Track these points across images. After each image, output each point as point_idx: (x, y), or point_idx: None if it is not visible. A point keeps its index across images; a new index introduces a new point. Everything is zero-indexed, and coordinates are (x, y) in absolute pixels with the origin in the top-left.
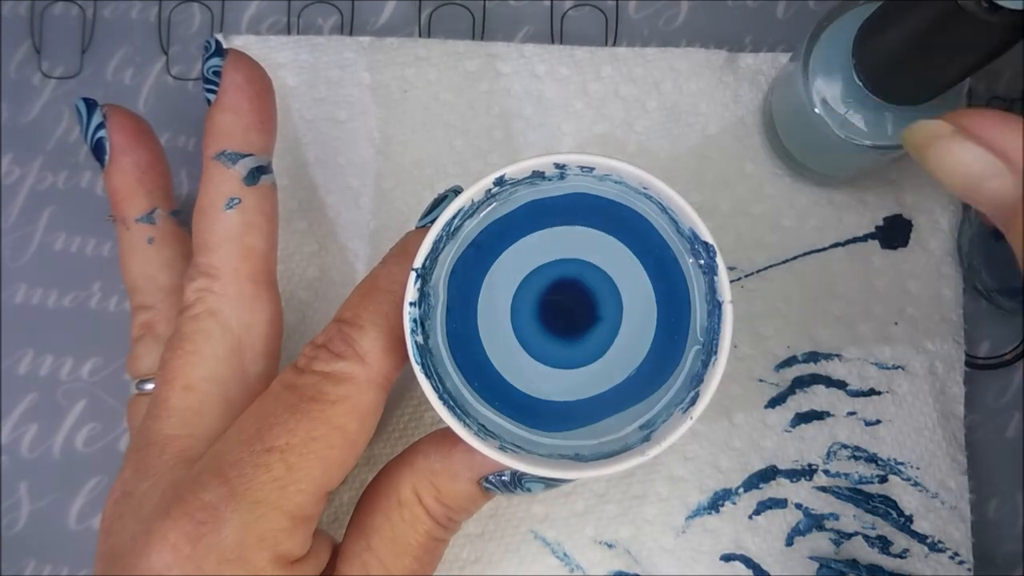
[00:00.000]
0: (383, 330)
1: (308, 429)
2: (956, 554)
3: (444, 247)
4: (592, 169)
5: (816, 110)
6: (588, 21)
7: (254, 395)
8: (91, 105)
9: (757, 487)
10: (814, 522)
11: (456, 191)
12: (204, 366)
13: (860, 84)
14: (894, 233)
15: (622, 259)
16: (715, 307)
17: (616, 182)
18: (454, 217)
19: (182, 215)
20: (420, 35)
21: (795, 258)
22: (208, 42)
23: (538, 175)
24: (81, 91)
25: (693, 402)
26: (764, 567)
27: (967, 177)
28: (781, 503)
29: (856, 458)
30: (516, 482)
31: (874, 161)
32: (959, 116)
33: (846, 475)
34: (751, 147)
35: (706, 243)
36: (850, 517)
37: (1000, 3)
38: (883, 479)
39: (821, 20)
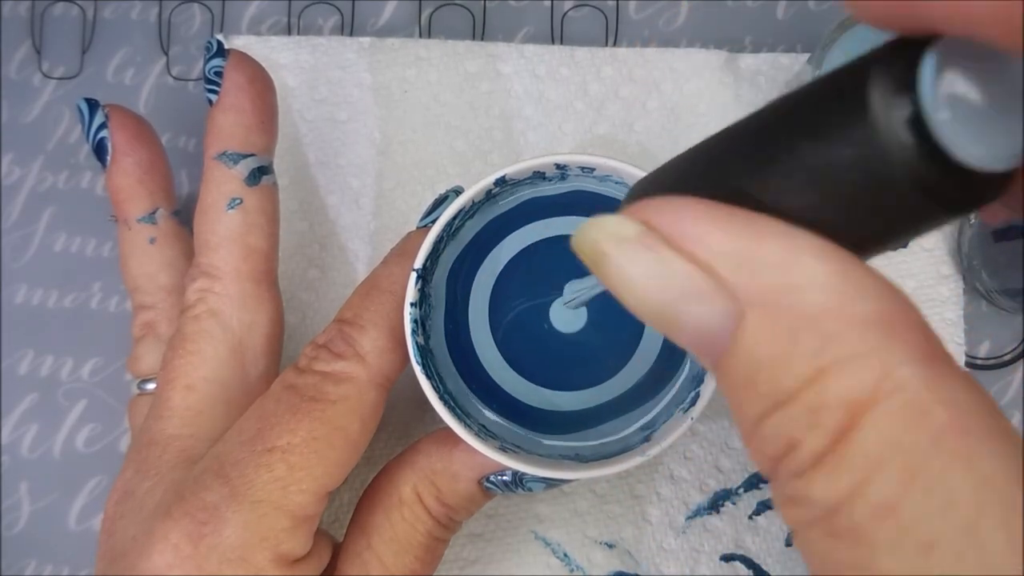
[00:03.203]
0: (384, 330)
1: (309, 429)
2: None
3: (445, 247)
4: (593, 170)
5: None
6: (588, 21)
7: (255, 395)
8: (93, 105)
9: (757, 487)
10: None
11: (457, 191)
12: (205, 366)
13: None
14: None
15: None
16: None
17: (617, 183)
18: (455, 217)
19: (183, 215)
20: (420, 35)
21: None
22: (210, 42)
23: (539, 176)
24: (81, 92)
25: (693, 402)
26: (764, 567)
27: (661, 302)
28: None
29: None
30: (517, 482)
31: None
32: (645, 209)
33: None
34: None
35: None
36: None
37: (953, 155)
38: None
39: (834, 28)
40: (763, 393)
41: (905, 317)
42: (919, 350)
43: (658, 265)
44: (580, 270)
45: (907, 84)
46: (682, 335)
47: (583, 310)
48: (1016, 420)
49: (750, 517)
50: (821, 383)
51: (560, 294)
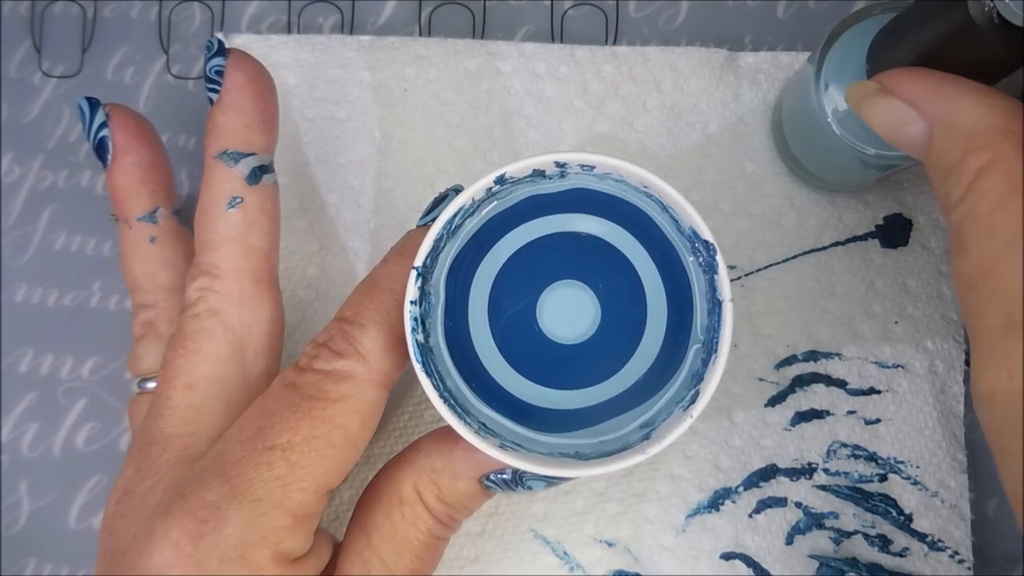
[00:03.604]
0: (384, 329)
1: (310, 427)
2: (956, 553)
3: (445, 246)
4: (593, 168)
5: (828, 119)
6: (588, 20)
7: (255, 394)
8: (93, 104)
9: (757, 486)
10: (814, 521)
11: (457, 190)
12: (206, 365)
13: None
14: (894, 232)
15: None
16: (715, 305)
17: (616, 180)
18: (455, 216)
19: (184, 214)
20: (420, 34)
21: (795, 257)
22: (210, 42)
23: (539, 174)
24: (81, 90)
25: (693, 400)
26: (764, 566)
27: (891, 126)
28: (781, 502)
29: (856, 457)
30: (517, 480)
31: (878, 175)
32: (884, 76)
33: (846, 474)
34: (751, 146)
35: (706, 242)
36: (850, 516)
37: (1011, 21)
38: (883, 478)
39: (836, 27)
40: (946, 165)
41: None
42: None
43: (887, 104)
44: (578, 270)
45: None
46: (903, 143)
47: (584, 312)
48: None
49: (750, 516)
50: (971, 160)
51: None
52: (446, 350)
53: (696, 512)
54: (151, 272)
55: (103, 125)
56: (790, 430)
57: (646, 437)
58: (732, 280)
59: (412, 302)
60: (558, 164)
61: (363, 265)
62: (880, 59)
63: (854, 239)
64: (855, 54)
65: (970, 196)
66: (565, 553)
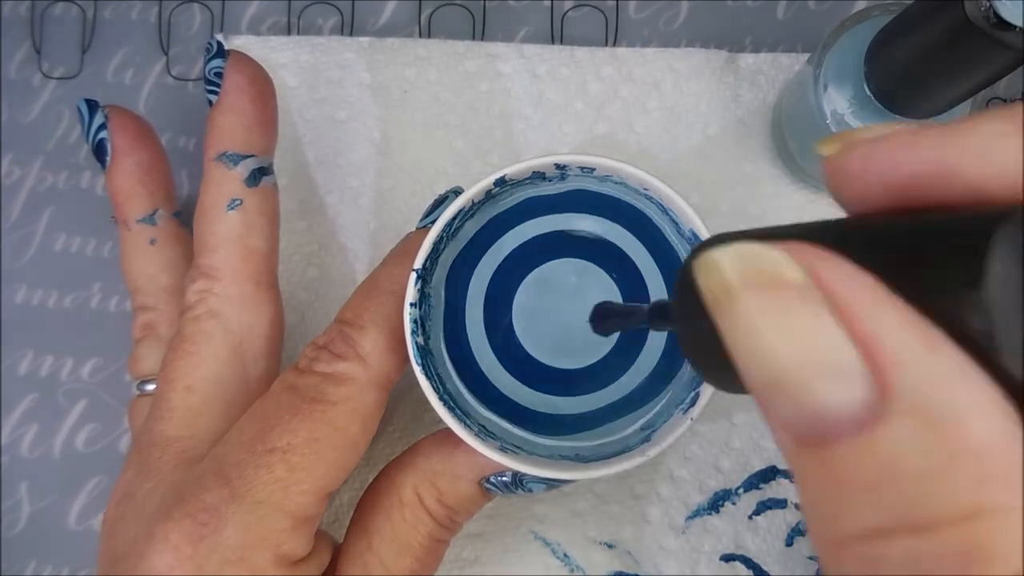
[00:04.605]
0: (384, 331)
1: (310, 430)
2: None
3: (444, 248)
4: (593, 170)
5: (827, 120)
6: (588, 21)
7: (255, 396)
8: (93, 106)
9: (757, 487)
10: None
11: (456, 192)
12: (205, 367)
13: (870, 95)
14: None
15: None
16: None
17: (617, 182)
18: (454, 218)
19: (183, 216)
20: (420, 35)
21: None
22: (210, 43)
23: (539, 176)
24: (81, 92)
25: (693, 402)
26: (764, 567)
27: (786, 368)
28: (781, 503)
29: None
30: (517, 483)
31: None
32: (817, 259)
33: None
34: (751, 148)
35: None
36: None
37: (1009, 21)
38: None
39: (835, 29)
40: (888, 506)
41: None
42: None
43: (810, 326)
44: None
45: None
46: (789, 405)
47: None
48: None
49: (750, 517)
50: (979, 524)
51: (559, 294)
52: (446, 352)
53: (696, 514)
54: (151, 274)
55: (102, 127)
56: None
57: (646, 439)
58: None
59: (412, 304)
60: (558, 166)
61: (363, 267)
62: (877, 60)
63: None
64: (854, 55)
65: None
66: (565, 555)
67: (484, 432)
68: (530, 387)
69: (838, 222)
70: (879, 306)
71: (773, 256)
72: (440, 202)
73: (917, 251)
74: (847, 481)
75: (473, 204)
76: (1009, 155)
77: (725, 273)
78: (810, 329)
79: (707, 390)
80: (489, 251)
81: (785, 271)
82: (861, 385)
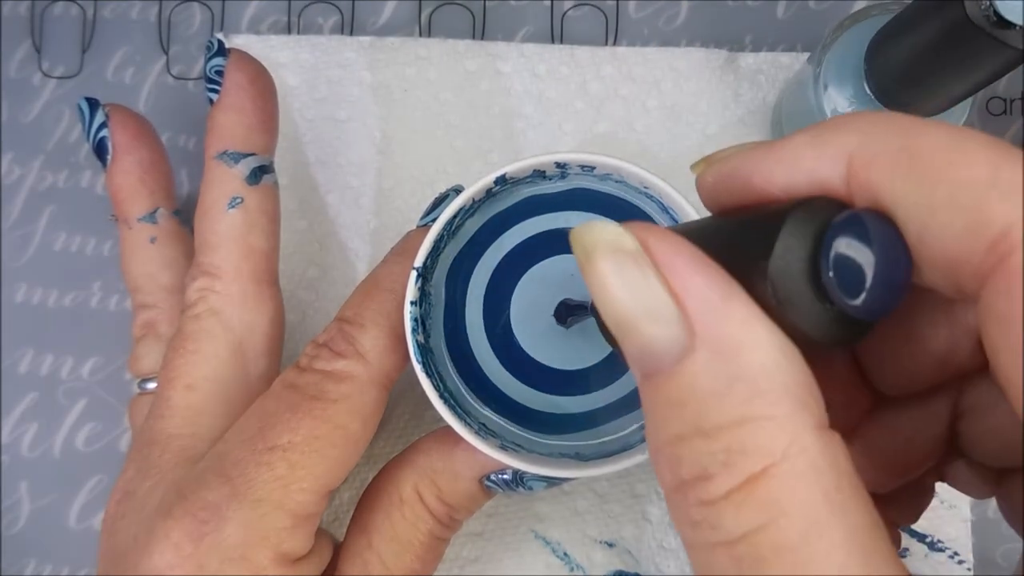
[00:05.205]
0: (385, 329)
1: (310, 428)
2: (956, 553)
3: (445, 246)
4: (593, 168)
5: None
6: (588, 21)
7: (256, 394)
8: (93, 105)
9: None
10: None
11: (457, 190)
12: (206, 365)
13: (870, 94)
14: None
15: None
16: None
17: (617, 181)
18: (455, 216)
19: (184, 215)
20: (420, 35)
21: None
22: (211, 42)
23: (539, 174)
24: (81, 91)
25: None
26: None
27: (626, 311)
28: None
29: None
30: (517, 481)
31: None
32: (648, 233)
33: None
34: None
35: None
36: None
37: (1010, 19)
38: None
39: (835, 28)
40: (687, 418)
41: (812, 390)
42: (818, 420)
43: (639, 281)
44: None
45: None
46: (630, 344)
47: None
48: None
49: None
50: (744, 429)
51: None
52: (446, 351)
53: None
54: (151, 272)
55: (103, 125)
56: None
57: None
58: None
59: (412, 303)
60: (558, 164)
61: (363, 265)
62: (877, 59)
63: None
64: (854, 55)
65: (753, 505)
66: (565, 554)
67: (484, 430)
68: (530, 385)
69: (707, 218)
70: (691, 267)
71: (616, 230)
72: (440, 200)
73: (744, 235)
74: (664, 402)
75: (474, 202)
76: (808, 163)
77: (585, 242)
78: (640, 284)
79: None
80: (489, 249)
81: (624, 241)
82: (676, 327)
